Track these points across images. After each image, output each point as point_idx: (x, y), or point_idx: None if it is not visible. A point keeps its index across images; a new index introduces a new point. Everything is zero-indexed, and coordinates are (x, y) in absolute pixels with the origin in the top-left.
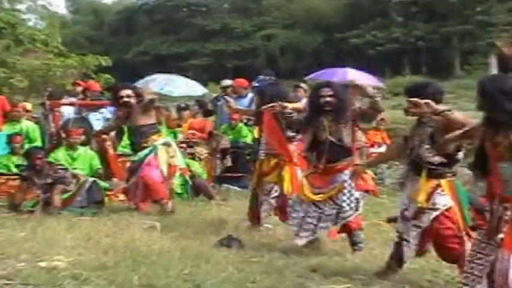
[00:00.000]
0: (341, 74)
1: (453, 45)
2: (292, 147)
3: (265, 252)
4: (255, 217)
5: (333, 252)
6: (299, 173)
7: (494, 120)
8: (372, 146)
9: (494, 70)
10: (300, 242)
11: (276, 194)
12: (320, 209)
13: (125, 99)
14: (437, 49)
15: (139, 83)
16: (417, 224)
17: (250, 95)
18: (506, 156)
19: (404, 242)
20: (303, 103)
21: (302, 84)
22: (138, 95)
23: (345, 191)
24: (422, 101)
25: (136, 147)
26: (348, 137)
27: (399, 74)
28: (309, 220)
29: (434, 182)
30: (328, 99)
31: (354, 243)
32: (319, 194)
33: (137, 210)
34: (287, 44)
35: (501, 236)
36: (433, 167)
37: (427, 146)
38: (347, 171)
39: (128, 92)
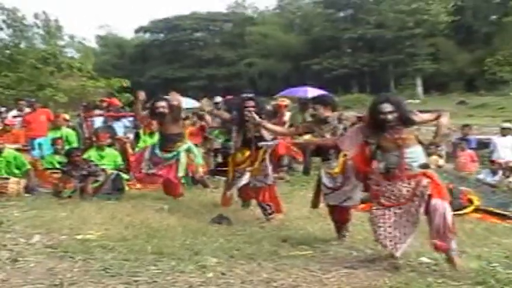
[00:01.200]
0: (303, 92)
1: (389, 70)
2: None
3: (247, 227)
4: (227, 200)
5: (299, 226)
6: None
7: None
8: None
9: (419, 89)
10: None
11: (246, 181)
12: None
13: (160, 109)
14: (377, 73)
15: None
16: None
17: None
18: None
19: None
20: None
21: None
22: (170, 106)
23: None
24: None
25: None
26: None
27: (349, 93)
28: None
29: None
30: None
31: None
32: None
33: (150, 196)
34: (264, 69)
35: (428, 192)
36: None
37: None
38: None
39: (163, 103)
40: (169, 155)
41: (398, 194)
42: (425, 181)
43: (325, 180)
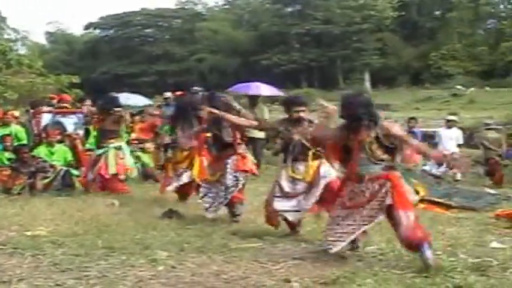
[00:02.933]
0: (255, 87)
1: (337, 65)
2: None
3: (197, 221)
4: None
5: (249, 220)
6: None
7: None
8: None
9: (367, 84)
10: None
11: (186, 180)
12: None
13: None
14: (326, 68)
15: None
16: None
17: None
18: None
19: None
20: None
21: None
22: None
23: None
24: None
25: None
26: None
27: (298, 87)
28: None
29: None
30: None
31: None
32: None
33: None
34: (214, 65)
35: (388, 202)
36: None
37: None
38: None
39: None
40: (101, 150)
41: (360, 194)
42: (388, 185)
43: (283, 182)
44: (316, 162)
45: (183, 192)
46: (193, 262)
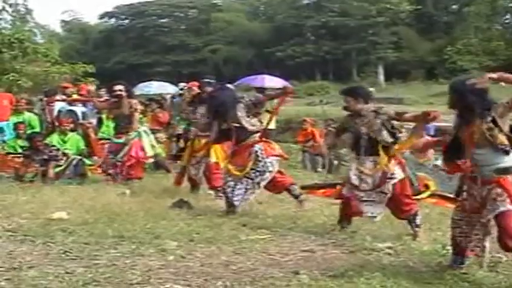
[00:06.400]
0: (260, 80)
1: (352, 58)
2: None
3: (207, 212)
4: (178, 182)
5: (258, 211)
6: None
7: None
8: None
9: (381, 77)
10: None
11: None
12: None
13: (118, 92)
14: (340, 61)
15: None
16: (382, 191)
17: None
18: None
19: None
20: None
21: None
22: (127, 90)
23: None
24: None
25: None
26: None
27: (312, 80)
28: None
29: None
30: None
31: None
32: None
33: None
34: (228, 56)
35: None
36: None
37: (384, 132)
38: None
39: (121, 87)
40: (121, 140)
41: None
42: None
43: (352, 174)
44: (385, 159)
45: (195, 183)
46: (202, 252)
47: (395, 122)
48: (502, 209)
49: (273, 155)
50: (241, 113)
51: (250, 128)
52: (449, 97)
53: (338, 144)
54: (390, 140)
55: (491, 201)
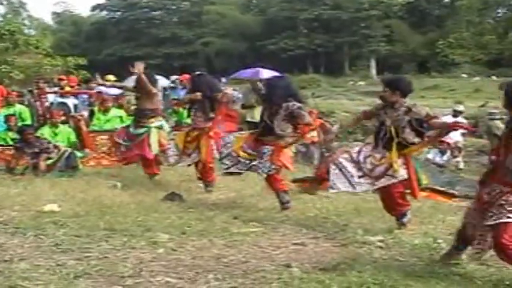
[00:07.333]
0: (255, 72)
1: (344, 51)
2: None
3: (199, 205)
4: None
5: (251, 204)
6: (213, 144)
7: None
8: None
9: (373, 71)
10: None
11: (191, 162)
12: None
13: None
14: (332, 54)
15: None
16: (373, 183)
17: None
18: None
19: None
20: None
21: None
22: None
23: None
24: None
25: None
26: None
27: (304, 73)
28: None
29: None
30: None
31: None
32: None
33: (104, 173)
34: (220, 49)
35: None
36: (405, 143)
37: (408, 130)
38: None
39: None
40: (141, 130)
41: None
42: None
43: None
44: (395, 155)
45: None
46: (193, 245)
47: None
48: (504, 219)
49: (274, 163)
50: (280, 114)
51: (278, 131)
52: (504, 98)
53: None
54: (412, 139)
55: (497, 206)
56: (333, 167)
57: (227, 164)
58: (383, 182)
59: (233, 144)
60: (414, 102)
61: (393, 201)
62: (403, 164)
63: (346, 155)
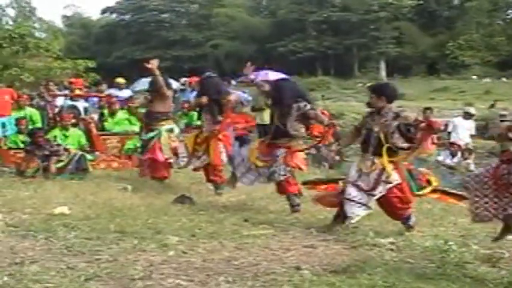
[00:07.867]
0: (264, 75)
1: (353, 53)
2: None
3: (209, 207)
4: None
5: (261, 206)
6: (221, 147)
7: None
8: None
9: (383, 73)
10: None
11: (201, 164)
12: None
13: None
14: (342, 56)
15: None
16: (372, 193)
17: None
18: None
19: (347, 202)
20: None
21: None
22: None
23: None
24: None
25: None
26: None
27: (314, 75)
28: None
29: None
30: None
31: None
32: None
33: (114, 176)
34: (230, 51)
35: None
36: (395, 149)
37: (397, 135)
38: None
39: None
40: (151, 134)
41: None
42: None
43: (352, 171)
44: (385, 161)
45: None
46: (204, 248)
47: None
48: None
49: (289, 165)
50: (292, 115)
51: (292, 132)
52: None
53: (351, 142)
54: (401, 144)
55: None
56: (344, 201)
57: (251, 178)
58: (381, 191)
59: (249, 157)
60: (423, 104)
61: (392, 207)
62: (394, 169)
63: (349, 185)
